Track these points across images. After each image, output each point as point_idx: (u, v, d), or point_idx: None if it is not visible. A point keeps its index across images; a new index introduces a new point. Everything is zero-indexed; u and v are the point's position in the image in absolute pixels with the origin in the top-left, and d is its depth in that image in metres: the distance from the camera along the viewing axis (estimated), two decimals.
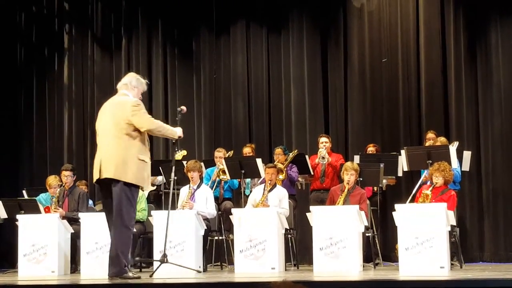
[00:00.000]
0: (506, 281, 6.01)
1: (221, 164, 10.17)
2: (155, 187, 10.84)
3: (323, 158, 10.18)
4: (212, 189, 10.00)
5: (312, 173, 10.28)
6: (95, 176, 7.01)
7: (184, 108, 7.90)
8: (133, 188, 6.89)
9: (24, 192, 11.14)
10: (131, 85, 7.12)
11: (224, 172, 10.11)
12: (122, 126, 6.83)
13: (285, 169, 10.02)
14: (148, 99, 12.65)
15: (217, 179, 10.35)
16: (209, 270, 9.39)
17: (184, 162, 9.83)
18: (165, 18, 12.74)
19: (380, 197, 9.96)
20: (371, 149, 10.50)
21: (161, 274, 7.81)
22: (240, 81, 12.19)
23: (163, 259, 7.75)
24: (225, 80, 12.31)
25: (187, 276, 7.62)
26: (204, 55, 12.49)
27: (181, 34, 12.66)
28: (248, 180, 10.37)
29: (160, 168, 10.27)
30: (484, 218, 10.70)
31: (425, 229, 7.86)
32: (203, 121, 12.27)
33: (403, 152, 9.43)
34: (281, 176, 9.83)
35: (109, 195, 6.95)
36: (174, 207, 9.42)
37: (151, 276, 7.96)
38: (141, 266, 9.89)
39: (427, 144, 9.94)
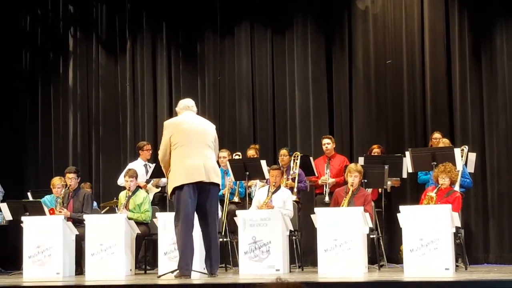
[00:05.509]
0: (511, 282, 6.01)
1: (227, 167, 10.18)
2: (159, 189, 10.84)
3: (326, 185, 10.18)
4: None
5: (316, 174, 10.27)
6: (200, 178, 7.63)
7: None
8: None
9: (29, 194, 11.15)
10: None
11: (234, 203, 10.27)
12: (212, 141, 7.92)
13: (296, 184, 10.00)
14: (153, 102, 12.70)
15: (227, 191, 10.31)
16: None
17: None
18: (169, 21, 12.76)
19: (385, 198, 9.94)
20: (376, 150, 10.48)
21: (168, 275, 7.86)
22: (245, 83, 12.19)
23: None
24: (230, 82, 12.31)
25: (193, 277, 7.62)
26: (208, 57, 12.50)
27: (186, 37, 12.67)
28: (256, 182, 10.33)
29: None
30: (489, 219, 10.68)
31: (430, 230, 7.83)
32: None
33: (407, 153, 9.42)
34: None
35: (206, 197, 7.72)
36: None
37: (158, 277, 8.00)
38: (146, 268, 9.90)
39: (433, 144, 9.93)
